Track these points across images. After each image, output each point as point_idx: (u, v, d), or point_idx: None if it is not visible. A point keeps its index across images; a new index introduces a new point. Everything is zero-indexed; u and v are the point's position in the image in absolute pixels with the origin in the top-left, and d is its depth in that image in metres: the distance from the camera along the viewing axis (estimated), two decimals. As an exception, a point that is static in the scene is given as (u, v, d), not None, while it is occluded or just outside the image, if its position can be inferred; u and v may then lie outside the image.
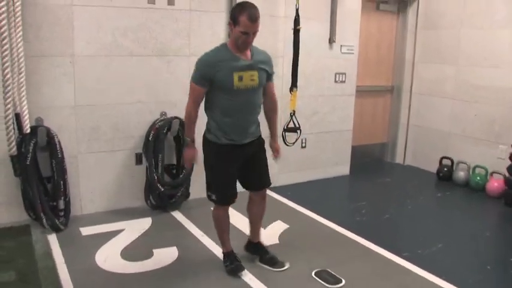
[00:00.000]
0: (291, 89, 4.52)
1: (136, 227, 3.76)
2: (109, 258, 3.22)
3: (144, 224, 3.85)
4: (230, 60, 2.75)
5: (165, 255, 3.30)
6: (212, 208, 3.12)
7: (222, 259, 3.17)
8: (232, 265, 3.04)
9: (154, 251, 3.36)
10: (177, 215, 4.06)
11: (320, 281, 2.97)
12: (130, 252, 3.32)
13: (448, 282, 3.00)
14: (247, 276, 3.01)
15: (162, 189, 3.97)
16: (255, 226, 3.20)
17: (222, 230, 3.10)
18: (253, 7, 2.68)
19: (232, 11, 2.73)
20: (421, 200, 4.68)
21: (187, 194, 4.28)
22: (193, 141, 2.96)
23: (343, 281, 2.96)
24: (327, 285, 2.93)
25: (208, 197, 3.03)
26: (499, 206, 4.48)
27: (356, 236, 3.70)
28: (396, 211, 4.34)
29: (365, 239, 3.63)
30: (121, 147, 4.01)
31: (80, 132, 3.81)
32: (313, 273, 3.04)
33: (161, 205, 4.11)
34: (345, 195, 4.96)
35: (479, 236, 3.89)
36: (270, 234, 3.63)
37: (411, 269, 3.18)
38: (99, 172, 3.96)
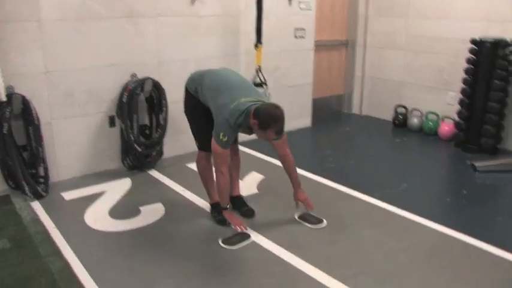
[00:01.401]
0: (255, 45, 4.65)
1: (117, 188, 3.84)
2: (98, 219, 3.31)
3: (124, 184, 3.93)
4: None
5: (152, 212, 3.43)
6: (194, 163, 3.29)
7: (210, 211, 3.35)
8: (220, 216, 3.22)
9: (141, 208, 3.47)
10: (154, 173, 4.17)
11: (304, 223, 3.21)
12: (117, 212, 3.42)
13: (418, 215, 3.32)
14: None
15: (140, 150, 4.05)
16: (233, 180, 3.36)
17: (206, 180, 3.25)
18: (281, 119, 2.75)
19: (263, 115, 2.72)
20: (381, 146, 5.02)
21: (161, 153, 4.38)
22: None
23: (325, 221, 3.20)
24: (310, 225, 3.17)
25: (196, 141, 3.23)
26: (450, 148, 4.87)
27: (328, 181, 3.96)
28: (360, 157, 4.64)
29: (337, 183, 3.91)
30: (94, 111, 4.02)
31: (53, 98, 3.78)
32: (296, 217, 3.27)
33: (138, 165, 4.19)
34: (310, 146, 5.22)
35: (436, 174, 4.27)
36: (248, 185, 3.82)
37: (384, 207, 3.48)
38: (74, 137, 3.97)
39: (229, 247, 2.90)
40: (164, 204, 3.54)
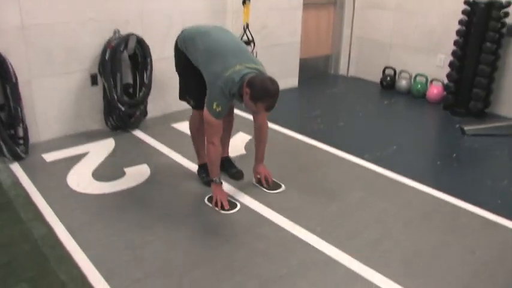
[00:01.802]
0: (243, 2, 4.47)
1: (100, 149, 3.72)
2: (81, 181, 3.20)
3: (107, 145, 3.81)
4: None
5: (138, 173, 3.33)
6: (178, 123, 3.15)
7: (197, 172, 3.26)
8: (208, 176, 3.13)
9: (126, 169, 3.37)
10: (139, 133, 4.05)
11: (261, 187, 3.13)
12: (101, 173, 3.31)
13: (408, 177, 3.29)
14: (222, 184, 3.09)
15: (123, 109, 3.91)
16: (224, 140, 3.25)
17: (198, 141, 3.15)
18: (276, 95, 2.58)
19: (258, 86, 2.54)
20: (370, 108, 4.95)
21: (146, 113, 4.25)
22: (221, 181, 2.94)
23: (283, 186, 3.12)
24: (267, 190, 3.10)
25: (187, 102, 3.07)
26: (439, 111, 4.83)
27: (318, 142, 3.90)
28: (349, 119, 4.57)
29: (327, 144, 3.85)
30: (76, 69, 3.84)
31: (31, 55, 3.58)
32: (254, 181, 3.19)
33: (121, 125, 4.06)
34: (298, 107, 5.12)
35: (426, 137, 4.25)
36: (236, 145, 3.72)
37: (374, 169, 3.44)
38: (54, 96, 3.80)
39: (213, 206, 2.86)
40: (149, 166, 3.44)
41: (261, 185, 3.10)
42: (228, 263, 2.40)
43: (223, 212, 2.81)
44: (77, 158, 3.54)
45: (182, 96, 3.09)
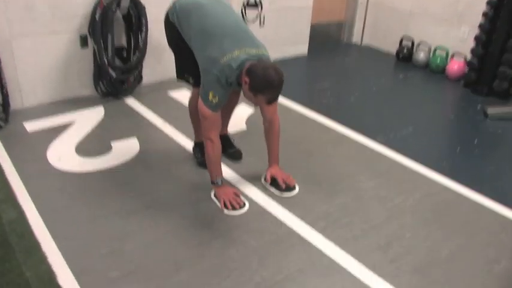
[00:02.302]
0: (251, -40, 4.04)
1: (88, 118, 3.40)
2: (63, 156, 2.90)
3: (96, 114, 3.48)
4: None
5: (126, 148, 3.02)
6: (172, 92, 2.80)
7: (192, 150, 2.94)
8: (204, 157, 2.81)
9: (113, 143, 3.06)
10: (132, 102, 3.72)
11: (271, 187, 2.75)
12: (86, 147, 3.01)
13: (425, 166, 2.96)
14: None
15: (114, 75, 3.57)
16: (224, 120, 2.87)
17: (196, 120, 2.79)
18: (279, 87, 2.21)
19: (259, 76, 2.17)
20: (384, 82, 4.57)
21: (140, 78, 3.90)
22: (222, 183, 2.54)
23: (296, 189, 2.68)
24: (277, 192, 2.64)
25: (186, 80, 2.70)
26: (459, 88, 4.45)
27: (326, 119, 3.56)
28: (361, 93, 4.20)
29: (336, 122, 3.51)
30: (63, 29, 3.48)
31: (10, 12, 3.21)
32: (263, 180, 2.74)
33: (113, 92, 3.72)
34: (307, 77, 4.75)
35: (445, 118, 3.88)
36: (237, 120, 3.37)
37: (387, 154, 3.11)
38: (39, 58, 3.46)
39: (219, 204, 2.49)
40: (140, 140, 3.13)
41: (277, 188, 2.64)
42: (218, 263, 2.11)
43: (233, 213, 2.44)
44: (61, 128, 3.22)
45: (180, 75, 2.72)
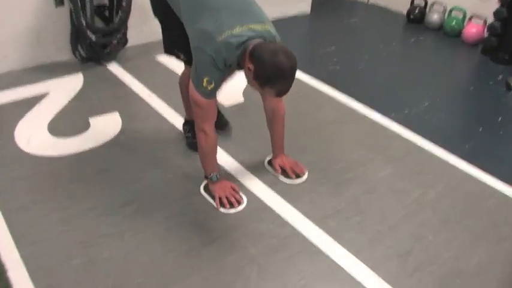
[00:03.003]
0: None
1: (64, 88, 3.01)
2: (33, 135, 2.53)
3: (73, 82, 3.09)
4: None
5: (106, 126, 2.66)
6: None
7: (182, 128, 2.58)
8: (194, 138, 2.45)
9: (91, 120, 2.69)
10: (115, 68, 3.31)
11: (277, 174, 2.41)
12: (60, 125, 2.64)
13: (445, 149, 2.62)
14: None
15: (94, 38, 3.14)
16: (274, 140, 2.43)
17: (188, 99, 2.42)
18: (292, 77, 1.77)
19: (263, 63, 1.73)
20: (394, 46, 4.15)
21: (125, 41, 3.48)
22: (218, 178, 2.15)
23: (306, 175, 2.35)
24: (284, 179, 2.32)
25: (176, 56, 2.28)
26: (477, 55, 4.04)
27: (332, 89, 3.19)
28: (370, 59, 3.80)
29: (344, 93, 3.14)
30: (33, -16, 3.03)
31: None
32: (266, 163, 2.44)
33: (93, 57, 3.31)
34: (310, 39, 4.32)
35: (464, 91, 3.50)
36: (233, 92, 3.00)
37: (402, 134, 2.75)
38: (8, 18, 3.04)
39: (212, 201, 2.15)
40: (122, 115, 2.76)
41: (286, 176, 2.32)
42: (210, 276, 1.79)
43: (230, 211, 2.09)
44: (33, 101, 2.84)
45: (169, 50, 2.30)
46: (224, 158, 2.41)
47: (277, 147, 2.35)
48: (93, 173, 2.28)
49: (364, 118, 2.91)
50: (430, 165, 2.51)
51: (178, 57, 2.28)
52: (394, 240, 2.00)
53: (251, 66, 1.75)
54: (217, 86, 1.90)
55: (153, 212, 2.07)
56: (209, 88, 1.86)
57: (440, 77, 3.58)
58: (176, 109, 2.76)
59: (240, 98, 3.01)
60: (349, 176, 2.38)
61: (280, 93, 1.79)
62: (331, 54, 3.82)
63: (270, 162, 2.41)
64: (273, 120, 2.25)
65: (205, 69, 1.84)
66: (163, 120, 2.74)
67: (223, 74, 1.88)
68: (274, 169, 2.35)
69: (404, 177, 2.40)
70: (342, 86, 3.24)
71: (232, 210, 2.08)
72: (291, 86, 1.78)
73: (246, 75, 1.85)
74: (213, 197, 2.13)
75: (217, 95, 1.94)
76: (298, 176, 2.32)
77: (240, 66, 1.88)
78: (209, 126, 1.99)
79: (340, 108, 3.02)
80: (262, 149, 2.45)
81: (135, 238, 1.93)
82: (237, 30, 1.80)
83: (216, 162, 2.12)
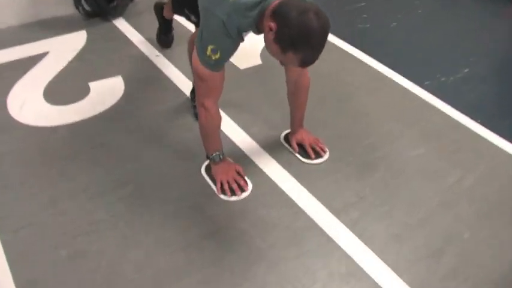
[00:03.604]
0: None
1: (65, 47, 2.76)
2: (27, 101, 2.31)
3: (76, 41, 2.83)
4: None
5: (106, 91, 2.41)
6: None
7: (189, 96, 2.31)
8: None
9: (91, 84, 2.45)
10: (122, 25, 3.04)
11: (294, 152, 2.16)
12: (57, 90, 2.41)
13: (485, 126, 2.29)
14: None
15: (97, -9, 2.86)
16: (294, 115, 2.16)
17: None
18: (322, 42, 1.44)
19: (288, 22, 1.40)
20: (432, 2, 3.70)
21: (134, -6, 3.19)
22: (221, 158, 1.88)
23: (326, 155, 2.07)
24: (302, 158, 2.06)
25: (186, 17, 2.03)
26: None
27: (359, 52, 2.85)
28: (405, 17, 3.40)
29: (372, 57, 2.80)
30: None
31: None
32: (282, 138, 2.17)
33: (98, 12, 3.02)
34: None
35: (509, 57, 3.10)
36: (249, 52, 2.69)
37: (437, 105, 2.42)
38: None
39: (213, 186, 1.90)
40: (125, 78, 2.51)
41: (304, 155, 2.05)
42: (212, 275, 1.57)
43: (233, 199, 1.84)
44: (31, 62, 2.61)
45: (177, 9, 2.05)
46: (233, 130, 2.16)
47: (296, 122, 2.08)
48: (88, 148, 2.05)
49: (395, 85, 2.59)
50: (468, 143, 2.20)
51: (188, 18, 2.02)
52: (424, 237, 1.73)
53: (272, 24, 1.43)
54: (225, 57, 1.61)
55: (150, 195, 1.84)
56: (213, 58, 1.57)
57: (484, 39, 3.18)
58: (185, 73, 2.50)
59: (257, 60, 2.70)
60: (376, 155, 2.10)
61: (305, 62, 1.47)
62: (360, 10, 3.44)
63: (286, 138, 2.14)
64: (295, 94, 1.97)
65: (213, 35, 1.55)
66: (170, 85, 2.48)
67: (234, 43, 1.59)
68: (291, 146, 2.08)
69: (439, 157, 2.10)
70: (370, 47, 2.90)
71: (233, 198, 1.83)
72: (318, 55, 1.46)
73: (264, 38, 1.53)
74: (214, 181, 1.88)
75: (224, 67, 1.66)
76: (318, 155, 2.05)
77: (258, 30, 1.58)
78: (211, 102, 1.71)
79: (368, 73, 2.69)
80: (279, 120, 2.19)
81: (129, 227, 1.72)
82: None
83: (219, 140, 1.86)
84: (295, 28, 1.39)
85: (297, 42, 1.41)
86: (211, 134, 1.81)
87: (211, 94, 1.69)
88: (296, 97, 1.99)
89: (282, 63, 1.58)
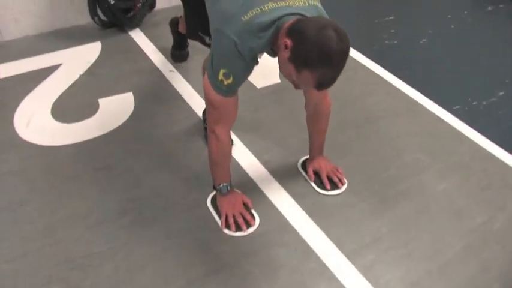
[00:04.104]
0: None
1: (78, 60, 2.68)
2: (34, 119, 2.23)
3: (89, 52, 2.76)
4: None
5: (115, 109, 2.32)
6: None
7: (202, 116, 2.20)
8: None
9: (100, 101, 2.36)
10: (138, 36, 2.95)
11: (309, 181, 2.04)
12: (65, 106, 2.33)
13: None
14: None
15: (112, 1, 2.77)
16: (312, 140, 2.03)
17: None
18: (342, 62, 1.30)
19: (305, 39, 1.28)
20: (465, 17, 3.52)
21: (153, 4, 3.09)
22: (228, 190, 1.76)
23: (344, 187, 1.93)
24: (317, 188, 1.91)
25: (201, 41, 1.93)
26: None
27: (385, 72, 2.69)
28: (435, 32, 3.22)
29: (397, 77, 2.64)
30: None
31: None
32: (299, 165, 2.03)
33: (115, 22, 2.94)
34: (364, 4, 3.76)
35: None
36: (267, 70, 2.55)
37: (468, 133, 2.25)
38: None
39: (218, 219, 1.77)
40: (136, 96, 2.41)
41: (320, 185, 1.92)
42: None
43: (238, 234, 1.71)
44: (42, 74, 2.54)
45: (192, 33, 1.95)
46: (244, 155, 2.04)
47: (314, 148, 1.94)
48: (92, 170, 1.96)
49: (422, 110, 2.42)
50: (500, 178, 2.02)
51: (203, 41, 1.92)
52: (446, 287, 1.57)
53: (288, 41, 1.31)
54: (238, 81, 1.49)
55: (152, 225, 1.73)
56: (225, 83, 1.46)
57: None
58: (199, 91, 2.39)
59: (275, 78, 2.56)
60: (397, 188, 1.94)
61: (322, 82, 1.33)
62: (388, 25, 3.28)
63: (304, 165, 2.00)
64: (315, 119, 1.84)
65: (225, 58, 1.43)
66: (183, 104, 2.37)
67: (247, 66, 1.46)
68: (307, 174, 1.95)
69: (467, 193, 1.93)
70: (397, 66, 2.74)
71: (238, 233, 1.70)
72: (337, 76, 1.32)
73: (279, 58, 1.40)
74: (219, 213, 1.76)
75: (237, 92, 1.54)
76: (335, 186, 1.91)
77: (273, 51, 1.46)
78: (223, 130, 1.59)
79: (393, 95, 2.53)
80: (296, 145, 2.08)
81: (127, 260, 1.61)
82: (270, 5, 1.38)
83: (229, 170, 1.73)
84: (313, 44, 1.26)
85: (314, 59, 1.27)
86: (221, 163, 1.69)
87: (223, 121, 1.57)
88: (315, 123, 1.85)
89: (296, 86, 1.44)
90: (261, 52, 1.47)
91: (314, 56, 1.27)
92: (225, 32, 1.40)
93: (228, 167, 1.71)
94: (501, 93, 2.59)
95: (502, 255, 1.69)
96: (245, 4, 1.39)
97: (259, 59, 1.49)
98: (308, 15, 1.39)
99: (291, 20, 1.35)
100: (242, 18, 1.37)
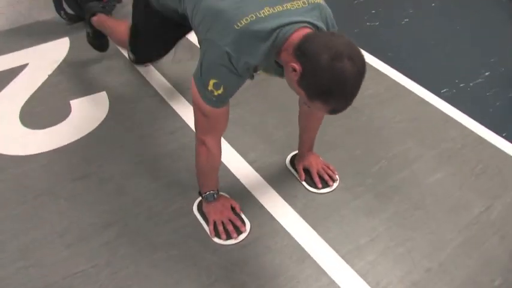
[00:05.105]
0: None
1: (46, 58, 2.51)
2: (1, 126, 2.08)
3: (57, 50, 2.59)
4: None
5: (89, 111, 2.17)
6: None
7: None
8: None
9: (72, 103, 2.21)
10: (108, 31, 2.77)
11: (300, 179, 1.96)
12: (34, 110, 2.17)
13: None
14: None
15: (78, -6, 2.61)
16: (304, 139, 1.92)
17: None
18: (355, 91, 1.21)
19: (316, 66, 1.15)
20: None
21: (121, -5, 2.94)
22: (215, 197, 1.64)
23: (335, 184, 1.86)
24: (307, 186, 1.83)
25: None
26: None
27: (368, 55, 2.56)
28: (417, 11, 3.13)
29: (381, 60, 2.56)
30: None
31: None
32: (287, 162, 1.91)
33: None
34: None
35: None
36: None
37: (458, 118, 2.19)
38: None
39: (206, 227, 1.67)
40: (110, 95, 2.27)
41: (311, 183, 1.83)
42: None
43: (228, 243, 1.61)
44: (8, 76, 2.38)
45: (143, 60, 2.08)
46: (229, 154, 1.93)
47: (304, 145, 1.85)
48: (68, 181, 1.83)
49: (409, 94, 2.35)
50: (494, 164, 1.97)
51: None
52: (448, 285, 1.51)
53: (297, 66, 1.19)
54: (229, 93, 1.36)
55: (137, 238, 1.63)
56: (215, 93, 1.33)
57: (506, 36, 2.91)
58: (176, 85, 2.27)
59: (255, 67, 2.45)
60: (389, 183, 1.87)
61: (335, 111, 1.24)
62: (369, 5, 3.18)
63: (293, 161, 1.91)
64: (309, 116, 1.72)
65: (214, 68, 1.30)
66: (160, 100, 2.24)
67: (242, 79, 1.34)
68: (297, 172, 1.85)
69: (461, 182, 1.87)
70: (380, 48, 2.65)
71: (229, 242, 1.61)
72: (351, 103, 1.23)
73: (287, 78, 1.28)
74: (207, 220, 1.66)
75: (228, 102, 1.41)
76: (326, 184, 1.82)
77: (277, 64, 1.34)
78: (213, 140, 1.47)
79: (379, 80, 2.45)
80: (284, 140, 1.99)
81: (112, 279, 1.50)
82: (267, 11, 1.25)
83: (217, 179, 1.63)
84: (327, 79, 1.15)
85: (328, 92, 1.17)
86: (209, 173, 1.58)
87: (213, 131, 1.46)
88: (308, 120, 1.75)
89: (307, 105, 1.31)
90: (260, 66, 1.35)
91: (328, 89, 1.17)
92: (215, 41, 1.28)
93: (216, 176, 1.61)
94: (487, 74, 2.53)
95: (502, 246, 1.64)
96: (239, 8, 1.27)
97: (255, 74, 1.37)
98: (310, 20, 1.27)
99: (295, 31, 1.23)
100: (235, 26, 1.24)
